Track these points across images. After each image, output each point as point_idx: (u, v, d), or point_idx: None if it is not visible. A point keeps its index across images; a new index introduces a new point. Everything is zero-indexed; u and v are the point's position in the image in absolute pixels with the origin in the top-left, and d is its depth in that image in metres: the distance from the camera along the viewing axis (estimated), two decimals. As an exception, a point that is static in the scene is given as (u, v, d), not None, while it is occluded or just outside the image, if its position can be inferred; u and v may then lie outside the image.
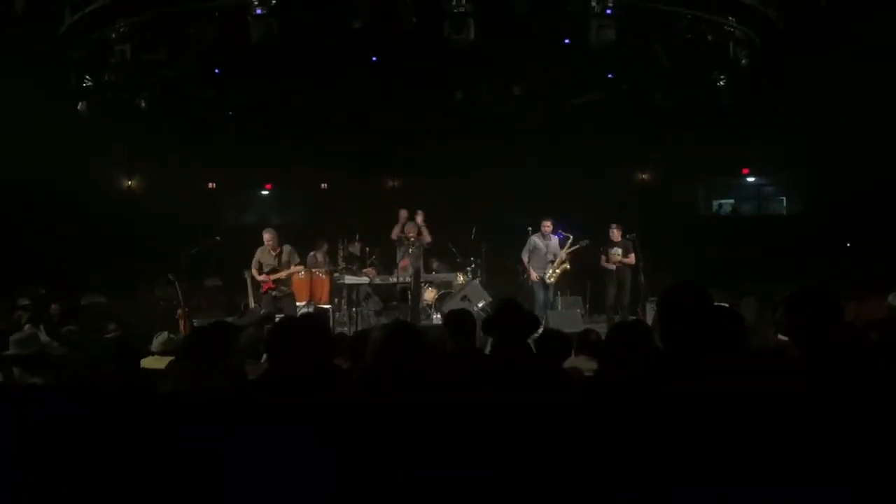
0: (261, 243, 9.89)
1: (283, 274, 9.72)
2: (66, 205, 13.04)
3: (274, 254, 9.80)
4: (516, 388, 3.14)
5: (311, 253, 12.69)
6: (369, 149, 15.25)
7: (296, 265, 9.91)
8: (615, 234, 10.98)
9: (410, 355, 2.89)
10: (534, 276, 10.85)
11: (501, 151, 14.37)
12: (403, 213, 11.61)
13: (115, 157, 14.83)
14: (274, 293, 9.82)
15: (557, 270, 11.01)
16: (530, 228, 11.20)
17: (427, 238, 11.27)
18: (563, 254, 11.03)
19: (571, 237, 11.08)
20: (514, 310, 3.84)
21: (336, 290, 11.41)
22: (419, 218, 11.32)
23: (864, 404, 2.19)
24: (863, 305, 7.78)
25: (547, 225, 10.91)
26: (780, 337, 5.03)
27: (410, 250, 10.89)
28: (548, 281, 10.90)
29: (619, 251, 10.93)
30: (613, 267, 10.89)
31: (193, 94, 11.73)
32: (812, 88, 12.85)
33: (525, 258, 11.01)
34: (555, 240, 11.02)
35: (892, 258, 11.39)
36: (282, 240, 9.89)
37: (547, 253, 10.97)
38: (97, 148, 13.11)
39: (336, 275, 11.23)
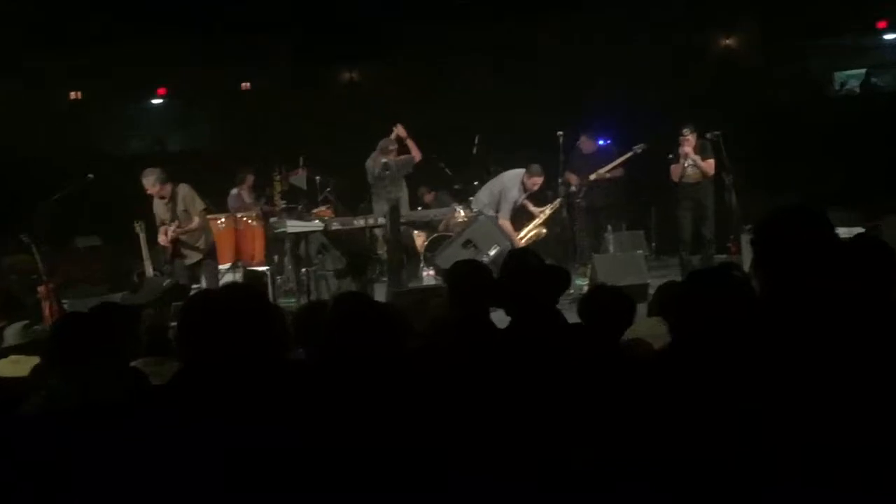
0: None
1: (177, 231, 9.70)
2: None
3: (165, 203, 9.79)
4: (546, 385, 3.17)
5: (233, 191, 12.70)
6: (313, 26, 15.08)
7: (199, 214, 9.84)
8: (689, 140, 10.98)
9: (373, 347, 2.92)
10: (519, 243, 11.07)
11: (516, 15, 14.24)
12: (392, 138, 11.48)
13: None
14: (178, 258, 9.86)
15: (532, 233, 11.45)
16: (560, 133, 11.21)
17: (416, 154, 11.24)
18: (540, 212, 11.46)
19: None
20: (529, 262, 3.87)
21: (274, 242, 11.43)
22: (398, 131, 11.28)
23: None
24: None
25: (537, 181, 11.16)
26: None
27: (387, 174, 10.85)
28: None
29: (697, 157, 10.95)
30: (689, 180, 10.92)
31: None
32: None
33: (507, 221, 11.18)
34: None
35: None
36: (171, 179, 9.82)
37: (516, 207, 11.35)
38: None
39: (273, 220, 11.23)
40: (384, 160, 10.83)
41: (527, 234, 11.43)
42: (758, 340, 2.61)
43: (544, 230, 11.57)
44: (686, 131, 10.98)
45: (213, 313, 2.98)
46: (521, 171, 11.18)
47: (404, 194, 11.30)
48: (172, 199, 9.79)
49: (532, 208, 11.55)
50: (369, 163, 11.15)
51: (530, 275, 3.75)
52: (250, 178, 12.73)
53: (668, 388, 2.75)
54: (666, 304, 4.82)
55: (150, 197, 9.94)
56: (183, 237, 9.81)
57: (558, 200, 11.53)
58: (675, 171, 11.04)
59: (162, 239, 9.86)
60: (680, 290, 3.26)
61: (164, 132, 16.98)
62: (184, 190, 9.85)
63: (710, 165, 10.93)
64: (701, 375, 2.68)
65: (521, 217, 11.55)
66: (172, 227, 9.74)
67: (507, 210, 11.15)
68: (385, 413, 2.80)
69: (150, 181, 9.74)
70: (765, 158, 12.69)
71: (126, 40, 14.38)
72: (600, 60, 13.84)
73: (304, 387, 3.01)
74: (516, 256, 4.13)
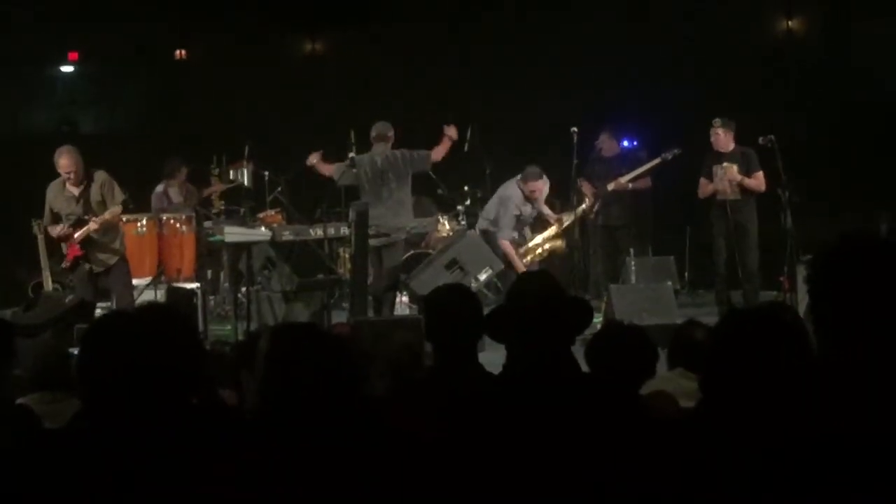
0: (54, 175, 9.82)
1: (96, 224, 9.65)
2: None
3: (76, 191, 9.75)
4: (551, 452, 3.16)
5: (158, 187, 12.66)
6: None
7: (117, 206, 9.82)
8: (720, 136, 11.01)
9: (320, 393, 2.91)
10: (522, 269, 10.90)
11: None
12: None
13: None
14: (88, 265, 9.79)
15: (546, 246, 11.30)
16: (574, 130, 11.23)
17: (438, 153, 11.01)
18: (556, 219, 11.36)
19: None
20: (545, 289, 3.85)
21: (208, 254, 11.42)
22: (450, 133, 11.05)
23: None
24: None
25: (536, 187, 11.07)
26: None
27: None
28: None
29: (733, 166, 10.95)
30: (725, 196, 10.94)
31: None
32: None
33: (507, 241, 11.12)
34: (544, 192, 11.16)
35: None
36: (87, 166, 9.78)
37: (532, 216, 11.36)
38: None
39: (207, 226, 11.21)
40: (350, 154, 10.69)
41: (537, 247, 11.31)
42: (812, 409, 2.61)
43: (561, 243, 11.47)
44: (717, 122, 11.04)
45: (126, 341, 2.98)
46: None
47: (407, 199, 11.04)
48: (85, 189, 9.74)
49: (548, 212, 11.46)
50: (365, 157, 10.86)
51: (544, 306, 3.73)
52: (182, 172, 12.68)
53: (695, 462, 2.75)
54: (687, 352, 4.83)
55: (45, 187, 9.87)
56: (96, 234, 9.71)
57: (583, 206, 11.48)
58: (703, 186, 11.06)
59: (58, 231, 9.74)
60: (715, 335, 3.25)
61: (74, 108, 16.91)
62: (101, 176, 9.83)
63: (759, 181, 10.94)
64: (737, 449, 2.68)
65: (536, 227, 11.52)
66: (92, 221, 9.62)
67: (508, 227, 11.13)
68: (333, 482, 2.79)
69: (74, 160, 9.66)
70: (830, 170, 12.73)
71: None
72: (629, 41, 13.88)
73: (234, 439, 3.00)
74: (529, 280, 4.11)
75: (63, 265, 9.92)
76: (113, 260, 9.92)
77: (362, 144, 10.69)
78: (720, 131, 11.00)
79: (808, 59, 15.01)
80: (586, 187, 11.85)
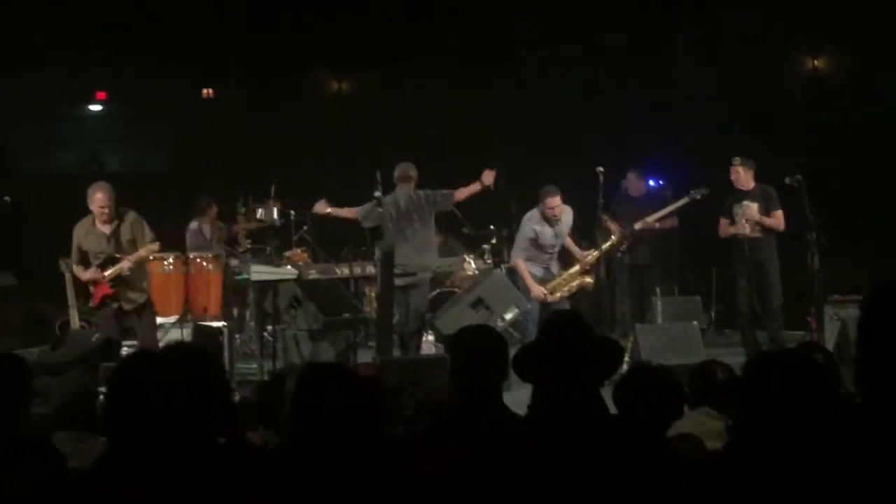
0: (84, 212, 9.83)
1: (130, 262, 9.65)
2: None
3: (107, 230, 9.74)
4: (577, 495, 3.14)
5: (192, 224, 12.70)
6: (295, 21, 15.20)
7: (153, 243, 9.81)
8: (741, 174, 10.99)
9: (347, 433, 2.90)
10: (537, 292, 10.88)
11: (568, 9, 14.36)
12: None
13: None
14: (115, 303, 9.78)
15: (573, 283, 11.17)
16: (600, 169, 11.22)
17: (461, 194, 10.96)
18: (586, 257, 11.26)
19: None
20: (574, 330, 3.84)
21: (234, 293, 11.42)
22: (486, 179, 11.00)
23: None
24: None
25: (554, 203, 10.97)
26: None
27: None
28: (548, 299, 10.90)
29: (753, 205, 10.92)
30: (745, 234, 10.90)
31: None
32: None
33: (520, 260, 11.11)
34: (565, 220, 11.08)
35: None
36: (120, 204, 9.78)
37: (554, 244, 11.17)
38: None
39: (234, 264, 11.22)
40: (377, 193, 10.69)
41: (564, 283, 11.20)
42: (849, 452, 2.58)
43: (590, 279, 11.38)
44: (736, 161, 10.99)
45: (153, 380, 2.98)
46: None
47: (431, 238, 10.99)
48: (116, 228, 9.72)
49: (573, 248, 11.37)
50: (389, 198, 10.82)
51: (575, 346, 3.71)
52: (213, 210, 12.72)
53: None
54: (708, 392, 4.79)
55: (73, 225, 9.86)
56: (127, 272, 9.68)
57: (610, 242, 11.39)
58: (723, 226, 11.02)
59: (88, 275, 9.72)
60: (744, 378, 3.22)
61: (103, 147, 17.01)
62: (132, 216, 9.82)
63: (777, 220, 10.90)
64: (769, 494, 2.65)
65: (564, 261, 11.45)
66: (126, 259, 9.62)
67: (521, 247, 11.11)
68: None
69: (109, 195, 9.61)
70: (857, 209, 12.68)
71: (58, 29, 14.43)
72: (656, 80, 13.89)
73: (259, 478, 3.00)
74: (560, 320, 4.08)
75: (91, 304, 9.91)
76: (142, 299, 9.89)
77: (387, 185, 10.70)
78: (740, 169, 10.98)
79: (834, 99, 14.98)
80: (613, 227, 11.81)
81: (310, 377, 3.13)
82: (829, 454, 2.61)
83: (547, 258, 11.16)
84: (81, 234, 9.78)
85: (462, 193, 10.84)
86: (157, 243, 9.94)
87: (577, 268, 11.27)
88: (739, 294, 11.05)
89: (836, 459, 2.59)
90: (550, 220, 11.02)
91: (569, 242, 11.30)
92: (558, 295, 11.10)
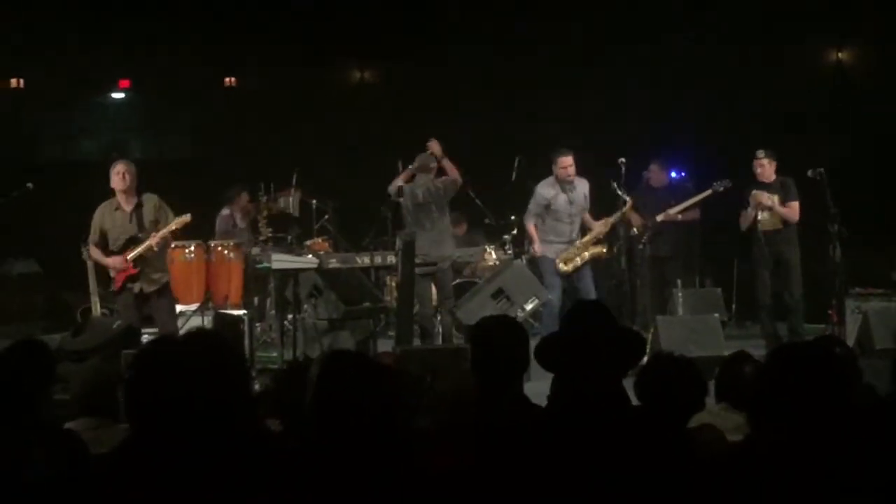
0: (107, 195, 9.81)
1: (154, 240, 9.53)
2: None
3: (129, 209, 9.70)
4: (598, 486, 3.13)
5: (224, 210, 12.72)
6: (318, 10, 15.23)
7: (176, 222, 9.69)
8: (766, 167, 10.99)
9: (367, 423, 2.90)
10: (537, 248, 11.06)
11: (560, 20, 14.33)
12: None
13: None
14: (137, 286, 9.73)
15: (586, 253, 11.17)
16: (623, 161, 11.21)
17: (454, 175, 11.07)
18: (598, 225, 11.25)
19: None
20: (598, 320, 3.83)
21: (255, 281, 11.43)
22: (433, 147, 11.12)
23: None
24: None
25: (566, 162, 10.96)
26: None
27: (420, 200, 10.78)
28: (562, 268, 10.95)
29: (774, 197, 10.90)
30: (765, 227, 10.88)
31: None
32: None
33: (531, 223, 11.19)
34: (580, 190, 11.06)
35: None
36: (138, 183, 9.74)
37: (570, 213, 11.17)
38: None
39: (255, 252, 11.24)
40: (399, 183, 10.80)
41: (575, 252, 11.19)
42: (868, 444, 2.57)
43: (602, 248, 11.33)
44: (761, 154, 11.00)
45: (174, 367, 2.98)
46: None
47: (448, 228, 11.17)
48: (137, 207, 9.68)
49: (589, 220, 11.39)
50: (407, 189, 10.94)
51: (599, 337, 3.70)
52: (243, 197, 12.74)
53: (744, 498, 2.72)
54: (735, 386, 4.78)
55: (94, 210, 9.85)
56: (154, 252, 9.59)
57: (622, 210, 11.40)
58: (743, 218, 11.00)
59: (111, 262, 9.67)
60: (765, 371, 3.21)
61: (125, 135, 17.05)
62: (153, 198, 9.75)
63: (792, 210, 10.87)
64: (788, 484, 2.65)
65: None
66: (152, 236, 9.54)
67: (535, 209, 11.20)
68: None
69: (127, 166, 9.62)
70: (878, 202, 12.63)
71: (81, 18, 14.45)
72: (679, 72, 13.84)
73: (280, 467, 3.00)
74: (584, 310, 4.06)
75: (112, 289, 9.88)
76: (165, 279, 9.82)
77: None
78: (765, 162, 10.98)
79: (858, 91, 14.91)
80: (635, 218, 11.78)
81: (333, 365, 3.13)
82: (848, 447, 2.60)
83: (567, 230, 11.15)
84: (102, 216, 9.73)
85: (453, 174, 10.97)
86: (188, 216, 9.79)
87: (588, 237, 11.25)
88: (760, 286, 11.04)
89: (854, 452, 2.58)
90: (564, 183, 11.03)
91: (587, 218, 11.27)
92: (570, 266, 11.09)
